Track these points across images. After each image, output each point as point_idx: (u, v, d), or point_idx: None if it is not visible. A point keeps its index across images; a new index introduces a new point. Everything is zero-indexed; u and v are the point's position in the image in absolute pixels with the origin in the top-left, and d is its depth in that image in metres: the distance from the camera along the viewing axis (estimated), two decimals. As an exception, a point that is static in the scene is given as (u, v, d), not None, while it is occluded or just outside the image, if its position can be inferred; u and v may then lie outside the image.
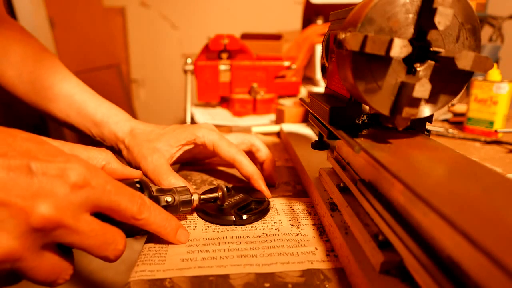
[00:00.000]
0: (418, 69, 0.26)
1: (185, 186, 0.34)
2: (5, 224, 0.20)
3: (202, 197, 0.34)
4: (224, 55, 0.87)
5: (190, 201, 0.33)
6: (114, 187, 0.25)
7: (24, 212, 0.21)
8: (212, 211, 0.35)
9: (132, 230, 0.28)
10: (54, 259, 0.23)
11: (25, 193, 0.21)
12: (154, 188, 0.32)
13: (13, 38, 0.48)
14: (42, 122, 1.47)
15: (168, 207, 0.31)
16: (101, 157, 0.31)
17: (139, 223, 0.27)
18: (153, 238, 0.32)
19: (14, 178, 0.21)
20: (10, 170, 0.21)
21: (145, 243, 0.31)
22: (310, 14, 1.08)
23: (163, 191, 0.32)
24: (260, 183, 0.40)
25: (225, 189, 0.35)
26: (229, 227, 0.34)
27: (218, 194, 0.35)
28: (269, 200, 0.39)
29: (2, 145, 0.22)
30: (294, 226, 0.34)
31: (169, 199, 0.32)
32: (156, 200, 0.31)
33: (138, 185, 0.30)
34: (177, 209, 0.32)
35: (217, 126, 0.71)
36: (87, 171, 0.24)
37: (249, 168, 0.40)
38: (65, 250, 0.25)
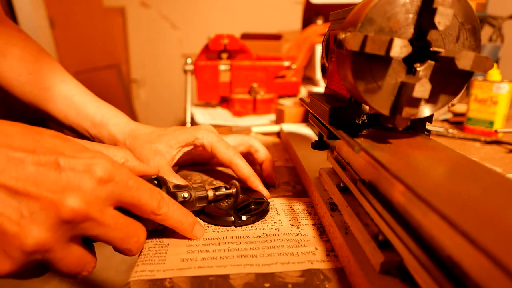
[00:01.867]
0: (418, 69, 0.26)
1: (201, 183, 0.34)
2: (36, 217, 0.21)
3: (217, 193, 0.35)
4: (224, 55, 0.87)
5: (205, 197, 0.34)
6: (136, 183, 0.26)
7: (54, 205, 0.22)
8: (212, 212, 0.35)
9: (150, 225, 0.29)
10: (80, 251, 0.24)
11: (55, 187, 0.22)
12: (170, 184, 0.33)
13: (12, 39, 0.48)
14: (42, 123, 1.47)
15: (185, 202, 0.32)
16: (120, 154, 0.32)
17: (158, 218, 0.28)
18: (153, 238, 0.32)
19: (44, 173, 0.22)
20: (39, 165, 0.22)
21: (144, 243, 0.31)
22: (310, 14, 1.08)
23: (180, 187, 0.33)
24: (257, 184, 0.40)
25: (239, 186, 0.35)
26: (229, 227, 0.34)
27: (232, 190, 0.36)
28: (269, 200, 0.39)
29: (31, 142, 0.23)
30: (294, 226, 0.34)
31: (186, 195, 0.32)
32: (173, 196, 0.32)
33: (155, 182, 0.31)
34: (194, 204, 0.33)
35: (217, 126, 0.71)
36: (112, 166, 0.25)
37: (245, 170, 0.41)
38: (88, 244, 0.26)
